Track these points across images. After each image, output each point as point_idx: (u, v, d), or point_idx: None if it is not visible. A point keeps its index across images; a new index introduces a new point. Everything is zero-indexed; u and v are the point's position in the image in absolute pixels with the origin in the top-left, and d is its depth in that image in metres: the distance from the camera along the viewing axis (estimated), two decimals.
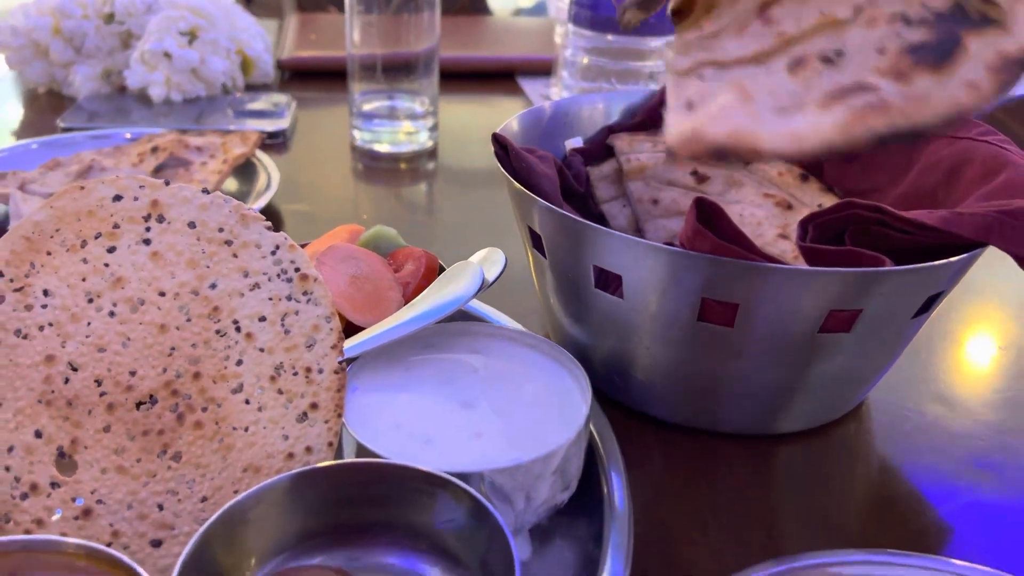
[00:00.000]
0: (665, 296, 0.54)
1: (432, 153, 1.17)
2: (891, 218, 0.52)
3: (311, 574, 0.39)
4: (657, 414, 0.62)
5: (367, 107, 1.15)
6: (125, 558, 0.38)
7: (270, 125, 1.19)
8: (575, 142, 0.76)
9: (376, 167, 1.14)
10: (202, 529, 0.40)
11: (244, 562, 0.42)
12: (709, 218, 0.51)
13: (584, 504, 0.52)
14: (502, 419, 0.51)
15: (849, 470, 0.61)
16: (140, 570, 0.37)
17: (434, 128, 1.17)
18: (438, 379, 0.54)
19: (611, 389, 0.63)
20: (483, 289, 0.57)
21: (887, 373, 0.64)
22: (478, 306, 0.68)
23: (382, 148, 1.15)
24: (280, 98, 1.27)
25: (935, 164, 0.63)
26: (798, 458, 0.61)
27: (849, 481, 0.60)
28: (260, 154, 1.01)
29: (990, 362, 0.76)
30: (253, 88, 1.37)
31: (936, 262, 0.50)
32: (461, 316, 0.61)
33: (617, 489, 0.51)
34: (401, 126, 1.15)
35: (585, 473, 0.53)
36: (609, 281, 0.56)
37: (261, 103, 1.25)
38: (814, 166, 0.72)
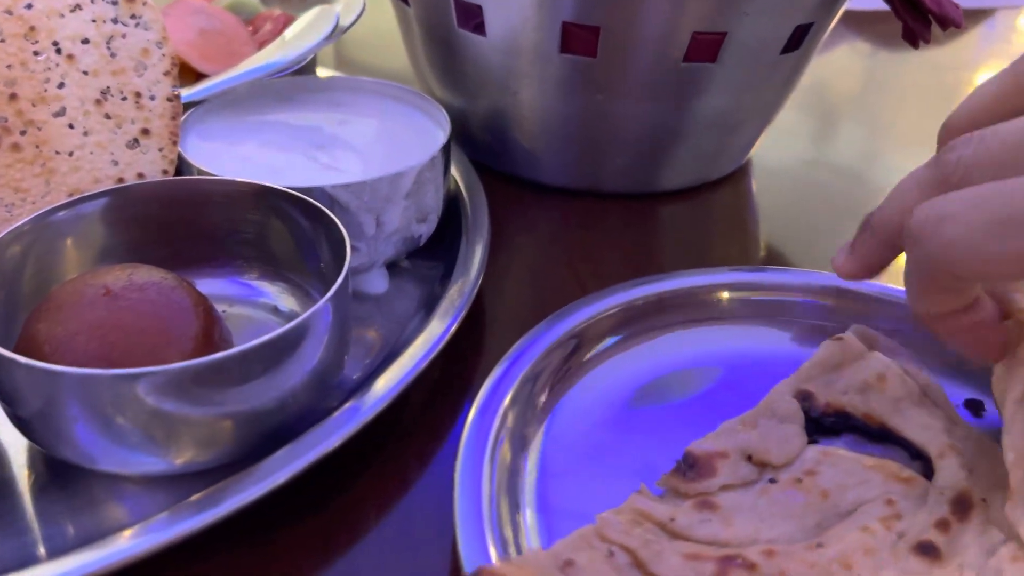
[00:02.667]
0: (527, 25, 0.51)
1: None
2: None
3: (140, 272, 0.36)
4: (542, 179, 0.61)
5: None
6: None
7: None
8: None
9: None
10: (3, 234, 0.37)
11: (62, 278, 0.40)
12: None
13: (446, 250, 0.50)
14: (356, 156, 0.49)
15: (731, 226, 0.61)
16: None
17: None
18: (293, 125, 0.52)
19: (494, 159, 0.61)
20: (337, 34, 0.54)
21: (768, 130, 0.63)
22: None
23: None
24: None
25: None
26: (680, 215, 0.60)
27: (730, 235, 0.60)
28: None
29: (869, 130, 0.76)
30: None
31: None
32: None
33: (480, 221, 0.50)
34: None
35: (451, 223, 0.51)
36: (471, 16, 0.53)
37: None
38: None
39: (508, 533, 0.32)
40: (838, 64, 0.94)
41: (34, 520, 0.35)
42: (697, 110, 0.55)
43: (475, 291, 0.44)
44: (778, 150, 0.69)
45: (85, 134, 0.44)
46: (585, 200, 0.60)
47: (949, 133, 0.35)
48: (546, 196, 0.61)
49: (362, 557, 0.35)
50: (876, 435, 0.37)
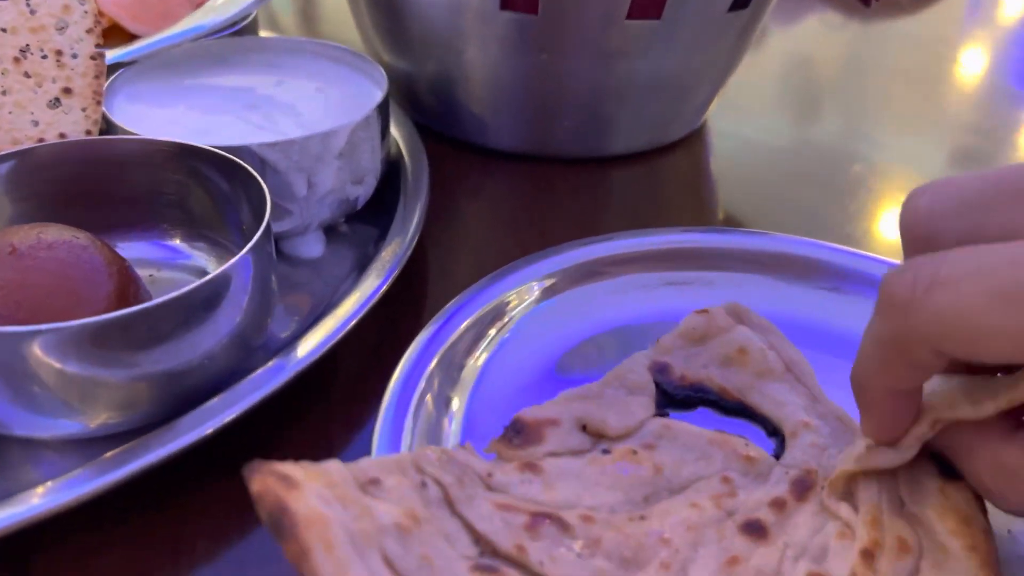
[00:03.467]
0: None
1: None
2: None
3: (49, 231, 0.35)
4: (489, 143, 0.60)
5: None
6: None
7: None
8: None
9: None
10: None
11: None
12: None
13: (386, 213, 0.49)
14: (291, 117, 0.48)
15: (684, 191, 0.60)
16: None
17: None
18: (227, 87, 0.50)
19: (442, 124, 0.60)
20: None
21: (726, 95, 0.62)
22: None
23: None
24: None
25: None
26: (632, 180, 0.59)
27: (683, 201, 0.59)
28: None
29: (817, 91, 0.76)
30: None
31: None
32: None
33: (419, 185, 0.49)
34: None
35: (392, 186, 0.50)
36: None
37: None
38: None
39: None
40: (806, 35, 0.93)
41: None
42: (644, 71, 0.54)
43: (409, 251, 0.43)
44: (736, 115, 0.68)
45: (3, 93, 0.43)
46: (534, 165, 0.59)
47: (862, 391, 0.29)
48: (494, 161, 0.60)
49: None
50: (732, 410, 0.36)
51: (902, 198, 0.28)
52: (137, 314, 0.31)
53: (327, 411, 0.39)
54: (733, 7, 0.53)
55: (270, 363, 0.36)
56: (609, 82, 0.55)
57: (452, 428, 0.35)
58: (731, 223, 0.56)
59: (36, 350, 0.30)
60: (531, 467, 0.31)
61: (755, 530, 0.30)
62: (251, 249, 0.34)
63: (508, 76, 0.55)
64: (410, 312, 0.45)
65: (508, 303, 0.41)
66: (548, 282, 0.42)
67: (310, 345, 0.37)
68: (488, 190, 0.58)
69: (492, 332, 0.40)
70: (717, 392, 0.37)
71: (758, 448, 0.34)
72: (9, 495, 0.31)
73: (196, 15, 0.51)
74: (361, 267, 0.44)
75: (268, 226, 0.36)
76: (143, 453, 0.32)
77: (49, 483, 0.31)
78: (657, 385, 0.36)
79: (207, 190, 0.41)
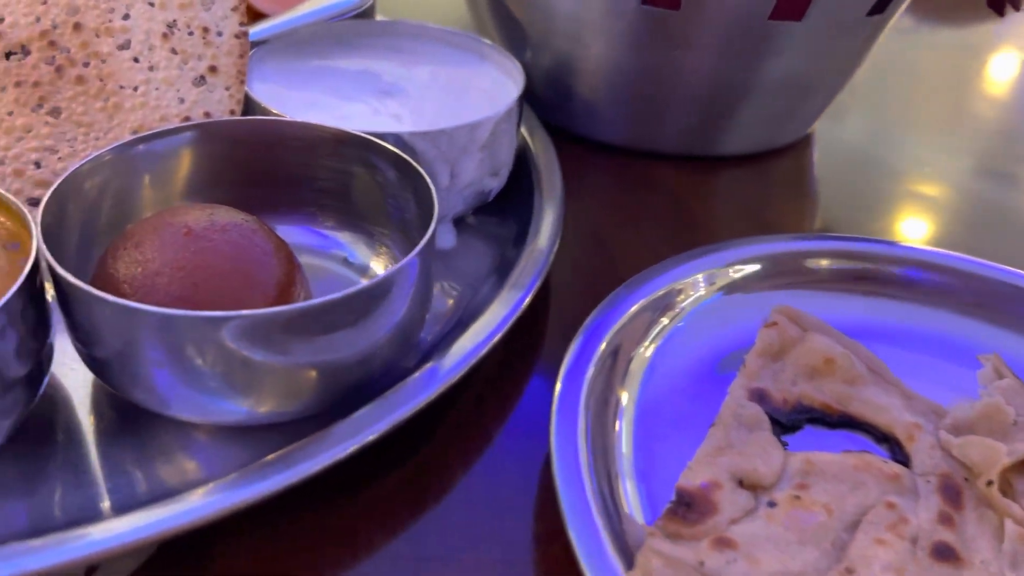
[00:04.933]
0: None
1: None
2: None
3: (220, 213, 0.34)
4: (600, 136, 0.59)
5: None
6: None
7: None
8: None
9: None
10: (74, 167, 0.35)
11: (137, 212, 0.38)
12: None
13: (514, 208, 0.48)
14: (425, 104, 0.47)
15: (789, 194, 0.59)
16: (6, 195, 0.33)
17: None
18: (355, 71, 0.50)
19: (553, 114, 0.59)
20: None
21: (832, 104, 0.61)
22: None
23: None
24: None
25: None
26: (739, 180, 0.58)
27: (787, 205, 0.58)
28: None
29: (938, 106, 0.74)
30: None
31: None
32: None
33: (553, 180, 0.48)
34: None
35: (517, 180, 0.49)
36: None
37: None
38: None
39: (611, 504, 0.31)
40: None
41: (100, 470, 0.33)
42: (772, 71, 0.53)
43: (551, 258, 0.43)
44: (839, 123, 0.67)
45: (151, 69, 0.42)
46: (641, 160, 0.58)
47: None
48: (601, 154, 0.59)
49: (450, 514, 0.34)
50: (837, 423, 0.37)
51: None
52: (326, 305, 0.30)
53: (476, 406, 0.38)
54: (872, 11, 0.51)
55: (428, 364, 0.36)
56: (733, 81, 0.53)
57: (624, 432, 0.34)
58: (833, 230, 0.55)
59: (224, 335, 0.29)
60: (725, 543, 0.31)
61: (947, 555, 0.31)
62: (422, 249, 0.33)
63: (631, 70, 0.54)
64: (541, 303, 0.44)
65: (663, 304, 0.40)
66: (698, 284, 0.42)
67: (464, 348, 0.37)
68: (600, 184, 0.57)
69: (649, 333, 0.39)
70: (820, 409, 0.37)
71: (894, 464, 0.34)
72: (164, 488, 0.31)
73: None
74: (498, 268, 0.43)
75: (436, 226, 0.35)
76: (324, 449, 0.31)
77: (233, 475, 0.30)
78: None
79: (368, 181, 0.40)
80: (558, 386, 0.35)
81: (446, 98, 0.48)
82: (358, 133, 0.39)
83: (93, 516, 0.31)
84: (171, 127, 0.38)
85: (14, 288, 0.29)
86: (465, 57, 0.52)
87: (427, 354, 0.37)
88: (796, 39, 0.51)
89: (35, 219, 0.32)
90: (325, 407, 0.34)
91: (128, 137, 0.38)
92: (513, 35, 0.58)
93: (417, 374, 0.35)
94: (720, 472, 0.33)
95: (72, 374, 0.36)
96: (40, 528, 0.30)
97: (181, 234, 0.33)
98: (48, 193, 0.33)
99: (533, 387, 0.40)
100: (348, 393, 0.34)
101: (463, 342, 0.37)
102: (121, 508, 0.31)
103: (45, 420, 0.34)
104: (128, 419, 0.35)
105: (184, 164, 0.39)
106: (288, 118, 0.40)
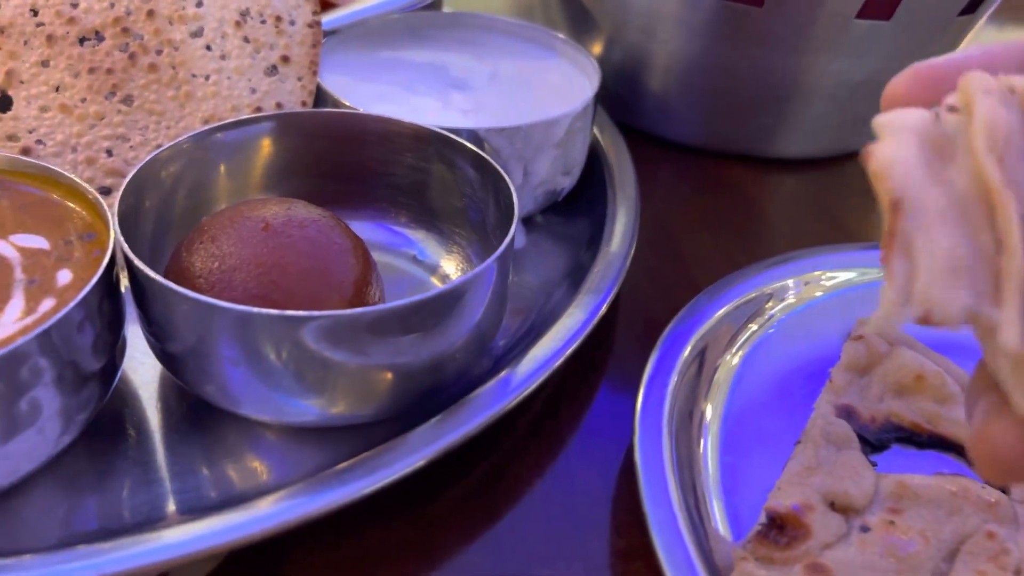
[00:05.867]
0: None
1: None
2: None
3: (297, 207, 0.33)
4: (669, 134, 0.57)
5: None
6: (64, 172, 0.33)
7: None
8: None
9: None
10: (151, 155, 0.34)
11: (211, 202, 0.37)
12: None
13: (584, 207, 0.47)
14: (496, 99, 0.46)
15: (866, 199, 0.57)
16: (83, 184, 0.32)
17: None
18: (427, 62, 0.48)
19: (621, 111, 0.58)
20: None
21: None
22: None
23: None
24: None
25: None
26: (814, 183, 0.56)
27: (863, 211, 0.56)
28: None
29: None
30: None
31: None
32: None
33: (626, 181, 0.47)
34: None
35: (586, 178, 0.48)
36: None
37: None
38: None
39: (697, 520, 0.29)
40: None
41: (169, 469, 0.32)
42: (854, 71, 0.51)
43: (627, 263, 0.41)
44: None
45: (223, 57, 0.41)
46: (712, 160, 0.56)
47: None
48: (670, 152, 0.57)
49: (525, 526, 0.32)
50: (927, 444, 0.35)
51: None
52: (410, 307, 0.29)
53: (550, 414, 0.37)
54: (963, 11, 0.49)
55: (503, 372, 0.34)
56: (812, 80, 0.52)
57: (710, 448, 0.33)
58: None
59: (305, 335, 0.28)
60: (820, 570, 0.29)
61: None
62: (501, 253, 0.32)
63: (706, 66, 0.52)
64: (614, 307, 0.43)
65: (745, 315, 0.39)
66: (779, 294, 0.40)
67: (540, 357, 0.35)
68: (671, 184, 0.55)
69: (753, 327, 0.38)
70: (909, 428, 0.35)
71: (992, 490, 0.32)
72: (233, 493, 0.30)
73: None
74: (571, 270, 0.42)
75: (516, 228, 0.33)
76: (408, 453, 0.30)
77: (309, 480, 0.29)
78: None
79: (444, 178, 0.39)
80: (640, 396, 0.33)
81: (517, 93, 0.46)
82: (436, 129, 0.38)
83: (162, 517, 0.30)
84: (251, 117, 0.37)
85: (92, 282, 0.28)
86: (536, 51, 0.50)
87: (499, 360, 0.36)
88: (882, 39, 0.49)
89: (111, 209, 0.31)
90: (397, 411, 0.33)
91: (205, 127, 0.37)
92: (583, 28, 0.56)
93: (492, 382, 0.34)
94: (811, 493, 0.32)
95: (141, 368, 0.35)
96: (109, 528, 0.30)
97: (259, 229, 0.32)
98: (125, 181, 0.33)
99: (605, 393, 0.39)
100: (421, 398, 0.33)
101: (538, 350, 0.36)
102: (190, 510, 0.30)
103: (114, 415, 0.33)
104: (197, 417, 0.34)
105: (260, 155, 0.38)
106: (366, 112, 0.39)
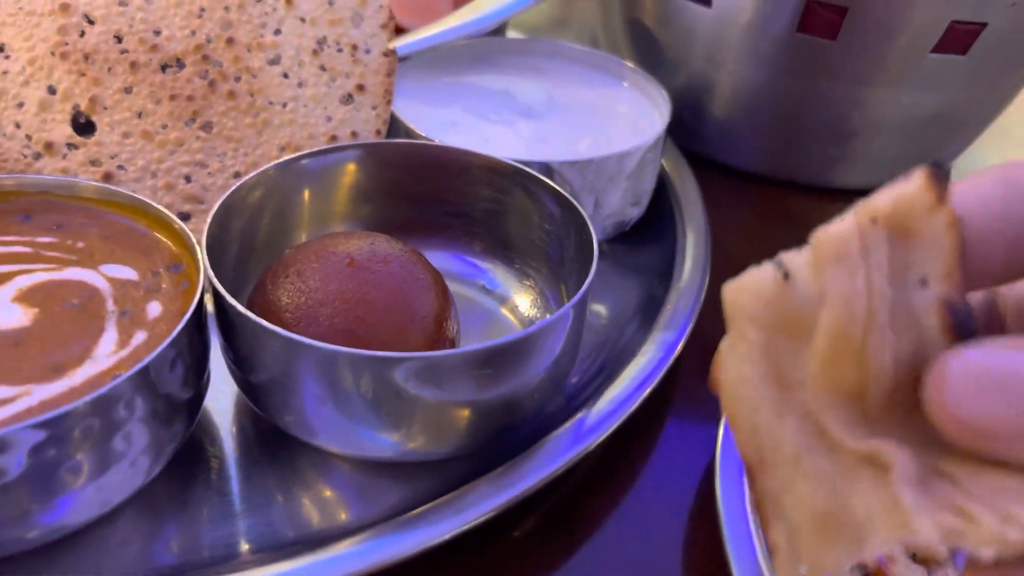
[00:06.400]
0: (764, 0, 0.47)
1: None
2: None
3: (379, 242, 0.34)
4: (734, 162, 0.57)
5: None
6: (151, 202, 0.33)
7: None
8: None
9: None
10: (239, 182, 0.35)
11: (292, 230, 0.38)
12: None
13: (652, 237, 0.47)
14: (568, 129, 0.46)
15: None
16: (170, 215, 0.33)
17: None
18: (496, 89, 0.49)
19: (683, 136, 0.57)
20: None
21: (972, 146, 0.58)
22: None
23: None
24: None
25: None
26: None
27: None
28: None
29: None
30: None
31: None
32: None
33: (694, 210, 0.47)
34: None
35: (654, 207, 0.48)
36: None
37: None
38: None
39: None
40: None
41: (244, 503, 0.32)
42: (924, 105, 0.50)
43: (702, 296, 0.41)
44: (979, 157, 0.63)
45: (299, 85, 0.42)
46: (777, 189, 0.56)
47: None
48: (734, 181, 0.57)
49: (596, 560, 0.32)
50: None
51: None
52: (493, 349, 0.29)
53: (623, 450, 0.37)
54: None
55: (580, 414, 0.34)
56: (882, 113, 0.51)
57: None
58: None
59: (390, 374, 0.29)
60: None
61: None
62: (579, 299, 0.32)
63: (773, 96, 0.52)
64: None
65: None
66: None
67: (617, 397, 0.35)
68: (727, 210, 0.55)
69: None
70: None
71: None
72: (311, 532, 0.31)
73: (465, 12, 0.49)
74: (643, 303, 0.42)
75: (595, 269, 0.33)
76: (489, 496, 0.30)
77: (389, 522, 0.30)
78: None
79: (519, 211, 0.39)
80: (720, 439, 0.33)
81: (585, 121, 0.46)
82: (512, 163, 0.38)
83: (236, 555, 0.30)
84: (335, 146, 0.38)
85: (186, 318, 0.28)
86: (604, 79, 0.50)
87: (573, 396, 0.36)
88: (956, 73, 0.48)
89: (195, 235, 0.32)
90: (473, 448, 0.33)
91: (292, 154, 0.37)
92: (647, 54, 0.56)
93: (568, 424, 0.34)
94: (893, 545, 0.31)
95: (220, 396, 0.35)
96: (189, 562, 0.30)
97: (344, 264, 0.32)
98: (213, 210, 0.33)
99: (674, 428, 0.39)
100: (496, 435, 0.33)
101: (613, 390, 0.36)
102: (266, 547, 0.30)
103: (192, 442, 0.34)
104: (273, 446, 0.34)
105: (341, 182, 0.39)
106: (443, 144, 0.39)
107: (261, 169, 0.35)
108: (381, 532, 0.29)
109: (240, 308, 0.29)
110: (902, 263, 0.18)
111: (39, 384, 0.27)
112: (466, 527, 0.29)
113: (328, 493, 0.33)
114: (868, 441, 0.17)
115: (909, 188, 0.18)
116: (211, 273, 0.30)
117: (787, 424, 0.18)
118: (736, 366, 0.19)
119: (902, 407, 0.17)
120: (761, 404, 0.18)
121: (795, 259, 0.19)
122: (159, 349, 0.27)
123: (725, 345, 0.19)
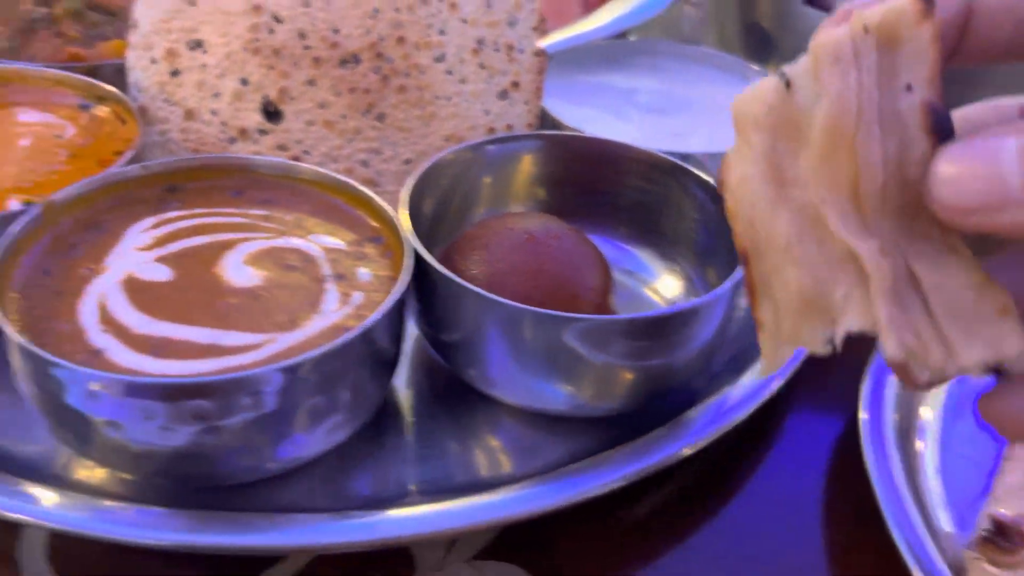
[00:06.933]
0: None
1: None
2: None
3: (551, 222, 0.38)
4: None
5: None
6: (362, 187, 0.37)
7: None
8: None
9: None
10: (435, 159, 0.39)
11: (472, 207, 0.42)
12: None
13: None
14: (698, 124, 0.49)
15: None
16: (371, 194, 0.37)
17: None
18: (624, 88, 0.52)
19: None
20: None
21: None
22: None
23: None
24: None
25: None
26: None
27: None
28: None
29: None
30: None
31: None
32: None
33: None
34: None
35: None
36: None
37: None
38: None
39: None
40: None
41: (422, 449, 0.36)
42: None
43: None
44: None
45: (462, 81, 0.45)
46: None
47: None
48: None
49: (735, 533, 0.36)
50: None
51: None
52: (657, 319, 0.33)
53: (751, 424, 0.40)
54: None
55: (720, 393, 0.38)
56: None
57: (927, 442, 0.36)
58: None
59: (565, 333, 0.32)
60: None
61: None
62: (736, 281, 0.35)
63: None
64: None
65: None
66: None
67: (754, 383, 0.39)
68: None
69: None
70: None
71: None
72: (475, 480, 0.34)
73: (603, 14, 0.53)
74: None
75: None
76: (643, 455, 0.34)
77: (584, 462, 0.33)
78: None
79: (674, 202, 0.42)
80: (862, 403, 0.36)
81: (716, 118, 0.50)
82: (669, 157, 0.41)
83: (408, 492, 0.34)
84: (519, 134, 0.43)
85: (403, 284, 0.32)
86: (726, 78, 0.53)
87: (715, 376, 0.39)
88: None
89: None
90: (631, 407, 0.36)
91: (478, 140, 0.42)
92: (764, 58, 0.59)
93: (712, 399, 0.38)
94: None
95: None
96: (385, 496, 0.34)
97: (524, 240, 0.36)
98: (411, 182, 0.38)
99: (798, 418, 0.42)
100: (650, 399, 0.36)
101: (753, 375, 0.39)
102: (438, 489, 0.34)
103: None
104: (449, 403, 0.38)
105: (517, 168, 0.43)
106: (607, 138, 0.43)
107: (456, 148, 0.40)
108: (540, 481, 0.33)
109: (447, 272, 0.33)
110: (890, 69, 0.20)
111: (281, 333, 0.31)
112: (613, 486, 0.33)
113: (495, 443, 0.37)
114: (857, 240, 0.20)
115: (899, 1, 0.20)
116: (419, 244, 0.34)
117: (781, 217, 0.21)
118: (739, 168, 0.21)
119: (890, 203, 0.20)
120: (759, 200, 0.21)
121: (796, 68, 0.21)
122: (385, 306, 0.31)
123: (731, 151, 0.22)
